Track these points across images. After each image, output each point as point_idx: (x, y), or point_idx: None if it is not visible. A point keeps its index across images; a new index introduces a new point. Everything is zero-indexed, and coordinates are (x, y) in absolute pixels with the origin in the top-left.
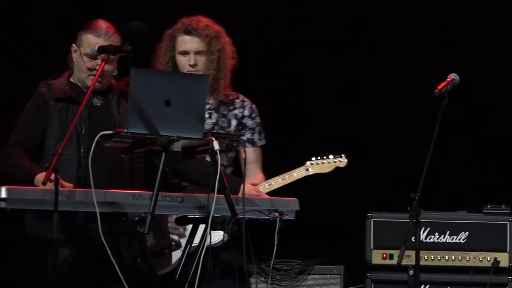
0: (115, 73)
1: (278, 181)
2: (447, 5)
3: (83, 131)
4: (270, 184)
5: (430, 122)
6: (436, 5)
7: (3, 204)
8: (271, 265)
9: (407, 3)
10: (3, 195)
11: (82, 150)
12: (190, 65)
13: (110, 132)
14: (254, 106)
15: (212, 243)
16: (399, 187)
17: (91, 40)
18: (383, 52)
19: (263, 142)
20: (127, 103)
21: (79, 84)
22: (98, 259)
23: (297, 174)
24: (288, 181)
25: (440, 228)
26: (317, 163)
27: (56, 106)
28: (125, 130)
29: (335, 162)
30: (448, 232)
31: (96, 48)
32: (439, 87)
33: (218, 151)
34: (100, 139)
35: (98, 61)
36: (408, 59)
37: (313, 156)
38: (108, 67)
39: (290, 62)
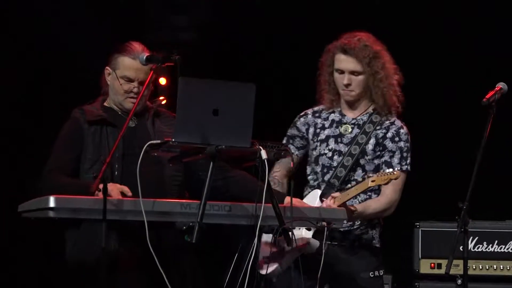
0: (163, 82)
1: (353, 191)
2: (496, 13)
3: (116, 154)
4: (348, 194)
5: (479, 131)
6: (486, 13)
7: (51, 214)
8: (319, 273)
9: (457, 10)
10: (52, 204)
11: (116, 172)
12: (344, 84)
13: (158, 141)
14: (402, 130)
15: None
16: (447, 196)
17: (127, 63)
18: (429, 60)
19: (403, 168)
20: (161, 123)
21: (114, 107)
22: (146, 268)
23: (364, 185)
24: (360, 191)
25: (488, 238)
26: (379, 175)
27: (90, 129)
28: (173, 139)
29: (389, 174)
30: (496, 241)
31: (145, 57)
32: (487, 96)
33: (265, 160)
34: (149, 148)
35: (135, 83)
36: (455, 68)
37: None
38: (144, 91)
39: None
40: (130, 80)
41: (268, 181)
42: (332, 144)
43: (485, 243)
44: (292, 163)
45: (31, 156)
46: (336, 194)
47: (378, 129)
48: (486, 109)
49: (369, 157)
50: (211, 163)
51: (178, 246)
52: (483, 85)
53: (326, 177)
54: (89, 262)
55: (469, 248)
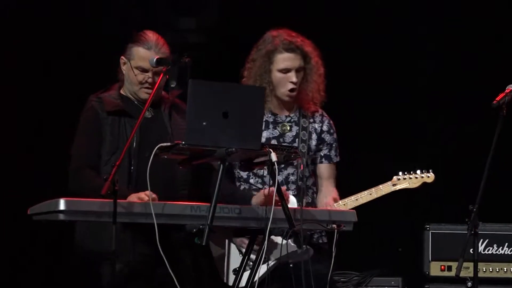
0: (173, 85)
1: (365, 196)
2: (505, 14)
3: (134, 144)
4: (357, 199)
5: (489, 133)
6: (495, 14)
7: (61, 216)
8: (329, 276)
9: (466, 13)
10: (62, 207)
11: (133, 163)
12: (293, 82)
13: (168, 144)
14: (331, 122)
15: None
16: (457, 199)
17: (141, 53)
18: (439, 65)
19: (338, 159)
20: (178, 115)
21: (130, 97)
22: (153, 270)
23: (384, 189)
24: (375, 196)
25: (498, 240)
26: (404, 178)
27: (108, 119)
28: (183, 142)
29: (422, 177)
30: (506, 243)
31: (155, 60)
32: (497, 99)
33: (276, 163)
34: (158, 151)
35: (149, 74)
36: (466, 70)
37: (400, 171)
38: (158, 80)
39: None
40: (144, 71)
41: (278, 183)
42: None
43: (495, 245)
44: (302, 165)
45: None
46: (330, 201)
47: (313, 123)
48: (496, 111)
49: (312, 152)
50: (221, 166)
51: (184, 246)
52: (494, 87)
53: (278, 178)
54: (97, 253)
55: (479, 250)
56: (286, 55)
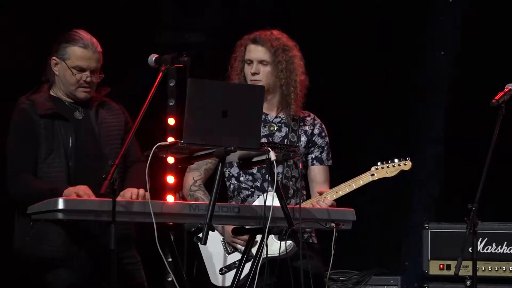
0: (172, 84)
1: (344, 188)
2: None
3: (70, 145)
4: (337, 192)
5: (488, 132)
6: (496, 15)
7: (60, 215)
8: (328, 275)
9: (465, 12)
10: (60, 206)
11: (70, 164)
12: (251, 73)
13: (167, 143)
14: (323, 125)
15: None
16: (456, 197)
17: (78, 53)
18: (439, 64)
19: (330, 163)
20: (106, 113)
21: (62, 97)
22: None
23: (363, 180)
24: (355, 188)
25: (497, 239)
26: (382, 168)
27: (41, 122)
28: (182, 141)
29: (399, 165)
30: (505, 242)
31: (154, 59)
32: (496, 97)
33: (274, 162)
34: (157, 150)
35: (87, 73)
36: (464, 69)
37: (378, 161)
38: (94, 79)
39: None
40: (82, 70)
41: (277, 182)
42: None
43: (494, 244)
44: (301, 164)
45: None
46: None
47: (303, 126)
48: (495, 110)
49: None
50: (220, 164)
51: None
52: (492, 86)
53: (268, 177)
54: (42, 259)
55: (478, 249)
56: (251, 46)
